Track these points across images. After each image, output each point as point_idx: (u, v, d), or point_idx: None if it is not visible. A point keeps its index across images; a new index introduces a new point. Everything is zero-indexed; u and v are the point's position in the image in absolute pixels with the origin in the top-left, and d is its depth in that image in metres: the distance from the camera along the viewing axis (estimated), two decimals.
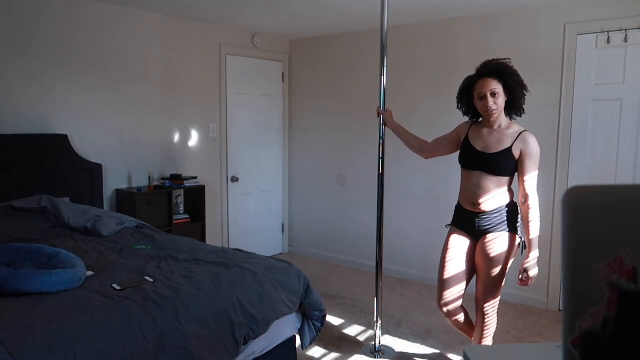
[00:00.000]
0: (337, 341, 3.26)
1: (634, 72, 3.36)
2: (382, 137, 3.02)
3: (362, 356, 3.06)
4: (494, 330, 2.62)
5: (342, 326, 3.49)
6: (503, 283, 2.49)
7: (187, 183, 4.08)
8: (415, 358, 3.06)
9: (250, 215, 5.04)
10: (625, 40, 3.36)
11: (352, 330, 3.43)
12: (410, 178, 4.47)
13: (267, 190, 5.22)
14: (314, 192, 5.24)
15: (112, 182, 3.86)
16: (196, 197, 4.23)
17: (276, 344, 2.48)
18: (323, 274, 4.69)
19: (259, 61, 4.96)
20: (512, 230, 2.44)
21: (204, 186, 4.24)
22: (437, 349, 3.15)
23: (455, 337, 3.30)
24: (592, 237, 0.54)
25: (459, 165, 2.58)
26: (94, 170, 3.64)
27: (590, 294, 0.53)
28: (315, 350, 3.11)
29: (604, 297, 0.53)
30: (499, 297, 2.53)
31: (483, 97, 2.39)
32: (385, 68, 2.93)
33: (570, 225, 0.55)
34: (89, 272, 2.25)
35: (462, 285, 2.58)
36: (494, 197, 2.43)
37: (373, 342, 3.11)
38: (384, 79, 2.94)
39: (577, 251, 0.55)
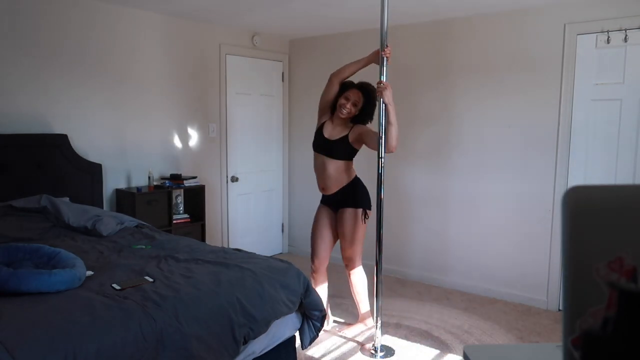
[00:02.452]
0: (337, 341, 3.26)
1: (634, 72, 3.36)
2: (381, 137, 3.01)
3: (362, 356, 3.06)
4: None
5: (342, 326, 3.49)
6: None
7: (187, 183, 4.08)
8: (415, 358, 3.05)
9: (250, 215, 5.04)
10: (625, 40, 3.36)
11: (352, 330, 3.43)
12: (410, 178, 4.47)
13: (267, 190, 5.22)
14: (314, 192, 5.20)
15: (112, 182, 3.86)
16: (196, 197, 4.23)
17: (276, 344, 2.48)
18: None
19: (259, 61, 4.96)
20: (355, 206, 3.17)
21: (204, 186, 4.24)
22: (437, 349, 3.15)
23: (455, 337, 3.30)
24: (592, 237, 0.54)
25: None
26: (94, 170, 3.64)
27: (590, 294, 0.53)
28: (315, 350, 3.11)
29: (604, 297, 0.53)
30: (358, 253, 3.32)
31: (347, 100, 3.09)
32: (385, 68, 2.93)
33: (570, 226, 0.55)
34: (89, 272, 2.25)
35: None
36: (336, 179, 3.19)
37: (373, 342, 3.11)
38: (384, 79, 2.94)
39: (577, 251, 0.55)
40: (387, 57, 2.93)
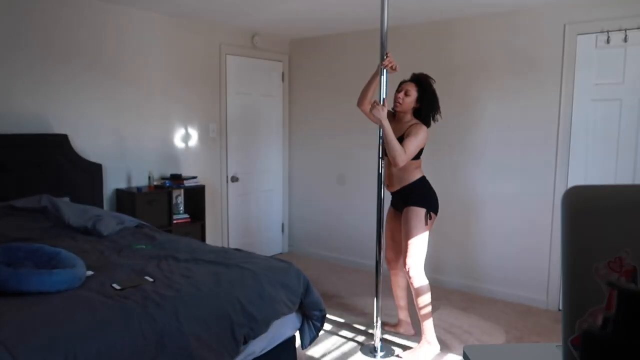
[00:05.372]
0: (337, 341, 3.26)
1: (634, 72, 3.36)
2: (382, 137, 3.01)
3: (362, 356, 3.06)
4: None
5: (342, 326, 3.49)
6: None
7: (187, 183, 4.08)
8: (415, 358, 3.05)
9: (250, 215, 5.04)
10: (625, 40, 3.36)
11: (352, 330, 3.43)
12: None
13: (267, 190, 5.22)
14: (314, 192, 5.24)
15: (112, 182, 3.86)
16: (196, 197, 4.23)
17: (276, 344, 2.48)
18: (323, 274, 4.69)
19: (259, 61, 4.96)
20: (416, 204, 3.00)
21: (204, 186, 4.24)
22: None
23: (455, 337, 3.30)
24: (592, 237, 0.54)
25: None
26: (94, 170, 3.64)
27: (590, 294, 0.53)
28: (315, 350, 3.11)
29: (603, 297, 0.53)
30: (413, 258, 3.10)
31: (399, 91, 3.01)
32: (385, 68, 2.93)
33: (570, 225, 0.55)
34: (89, 272, 2.24)
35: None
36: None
37: (373, 342, 3.11)
38: (384, 79, 2.95)
39: (577, 251, 0.55)
40: (386, 67, 2.90)
